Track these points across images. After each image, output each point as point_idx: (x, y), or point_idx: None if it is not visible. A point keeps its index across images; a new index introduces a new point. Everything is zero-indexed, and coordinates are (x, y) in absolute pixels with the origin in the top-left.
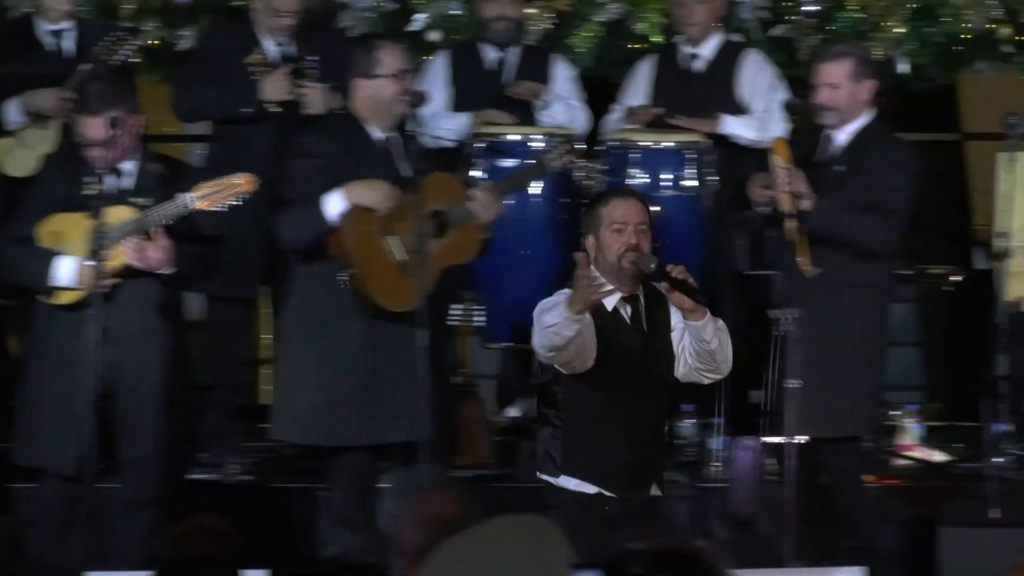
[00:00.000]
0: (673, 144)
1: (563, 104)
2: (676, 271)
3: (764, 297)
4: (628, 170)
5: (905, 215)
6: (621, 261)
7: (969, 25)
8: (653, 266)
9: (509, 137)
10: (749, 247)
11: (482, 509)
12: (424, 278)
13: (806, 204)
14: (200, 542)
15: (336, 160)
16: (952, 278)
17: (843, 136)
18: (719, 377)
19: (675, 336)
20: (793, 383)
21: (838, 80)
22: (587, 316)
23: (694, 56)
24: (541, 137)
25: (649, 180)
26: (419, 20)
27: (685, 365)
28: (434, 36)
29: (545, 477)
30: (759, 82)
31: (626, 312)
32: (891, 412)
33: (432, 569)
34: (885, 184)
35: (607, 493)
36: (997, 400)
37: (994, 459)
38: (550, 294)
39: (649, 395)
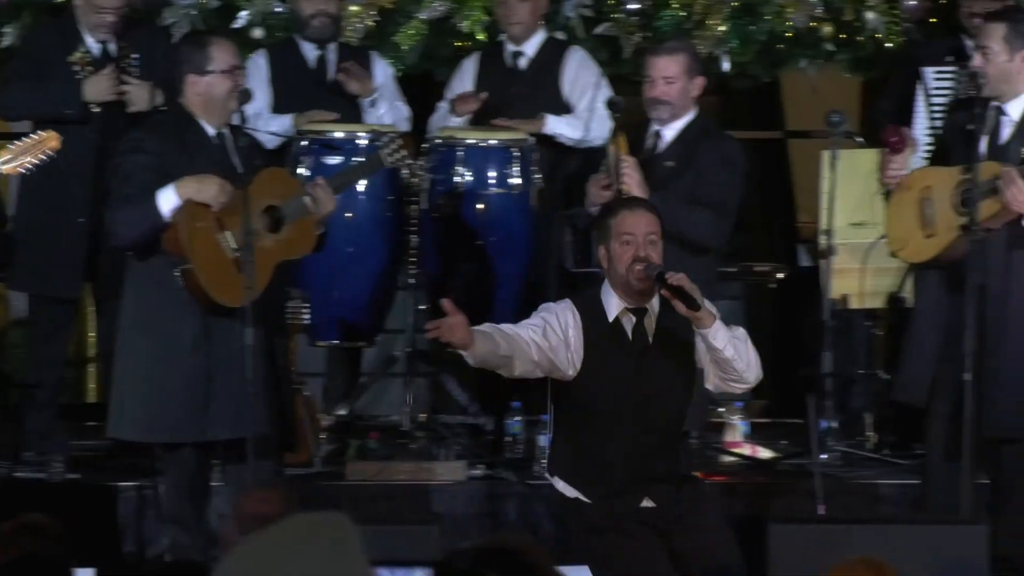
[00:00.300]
0: (498, 142)
1: (386, 102)
2: (674, 278)
3: None
4: (454, 168)
5: (735, 210)
6: (629, 274)
7: (791, 23)
8: (654, 274)
9: (336, 134)
10: (575, 245)
11: (307, 508)
12: (251, 274)
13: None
14: (27, 541)
15: (168, 156)
16: (777, 275)
17: (671, 132)
18: (746, 387)
19: (700, 348)
20: None
21: (674, 75)
22: (477, 350)
23: (518, 54)
24: (366, 134)
25: (474, 178)
26: (243, 17)
27: (712, 376)
28: (258, 33)
29: (547, 475)
30: (582, 80)
31: (629, 323)
32: (718, 409)
33: (226, 568)
34: (716, 179)
35: (584, 499)
36: (822, 397)
37: (820, 456)
38: (377, 292)
39: (649, 408)
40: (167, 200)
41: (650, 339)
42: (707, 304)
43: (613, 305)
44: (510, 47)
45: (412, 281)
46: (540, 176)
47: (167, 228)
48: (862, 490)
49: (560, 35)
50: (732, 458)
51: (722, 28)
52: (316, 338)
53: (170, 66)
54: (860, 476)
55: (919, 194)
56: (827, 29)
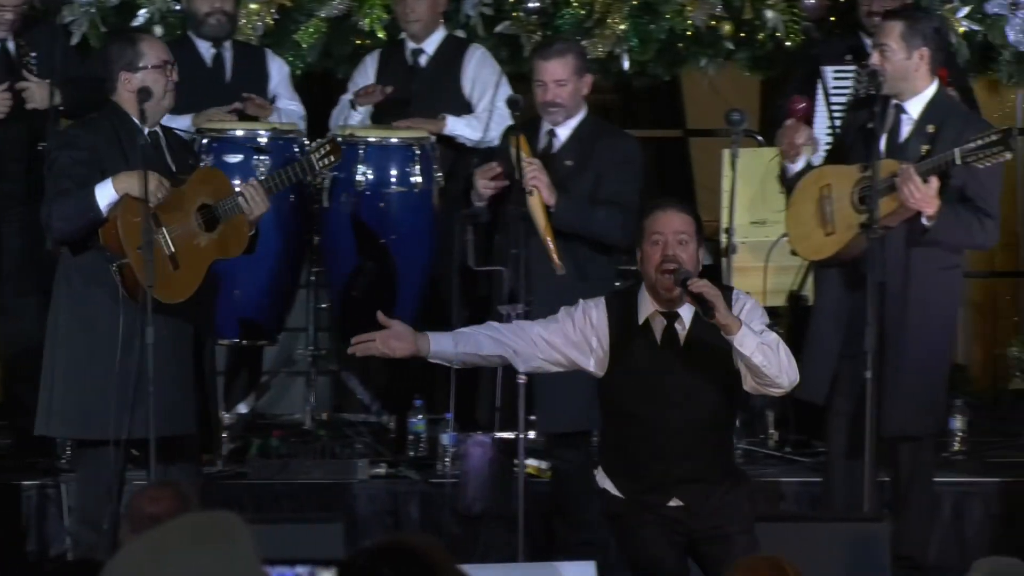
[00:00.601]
0: (399, 141)
1: (284, 101)
2: (695, 285)
3: (492, 292)
4: (356, 166)
5: (637, 208)
6: (657, 277)
7: (691, 22)
8: (679, 279)
9: (236, 133)
10: (477, 243)
11: (209, 507)
12: (150, 272)
13: (547, 197)
14: None
15: (103, 152)
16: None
17: (565, 131)
18: (781, 391)
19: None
20: (521, 378)
21: (564, 77)
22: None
23: (418, 52)
24: (266, 132)
25: (376, 177)
26: (141, 15)
27: (748, 379)
28: (157, 31)
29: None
30: (483, 78)
31: (659, 326)
32: None
33: (113, 568)
34: (619, 178)
35: (617, 494)
36: None
37: None
38: (279, 290)
39: (678, 411)
40: (104, 195)
41: (681, 342)
42: (739, 306)
43: (645, 307)
44: (410, 45)
45: (314, 279)
46: (441, 175)
47: (104, 223)
48: (764, 488)
49: (460, 33)
50: None
51: (622, 27)
52: (218, 336)
53: (100, 65)
54: (762, 474)
55: (819, 192)
56: (727, 28)
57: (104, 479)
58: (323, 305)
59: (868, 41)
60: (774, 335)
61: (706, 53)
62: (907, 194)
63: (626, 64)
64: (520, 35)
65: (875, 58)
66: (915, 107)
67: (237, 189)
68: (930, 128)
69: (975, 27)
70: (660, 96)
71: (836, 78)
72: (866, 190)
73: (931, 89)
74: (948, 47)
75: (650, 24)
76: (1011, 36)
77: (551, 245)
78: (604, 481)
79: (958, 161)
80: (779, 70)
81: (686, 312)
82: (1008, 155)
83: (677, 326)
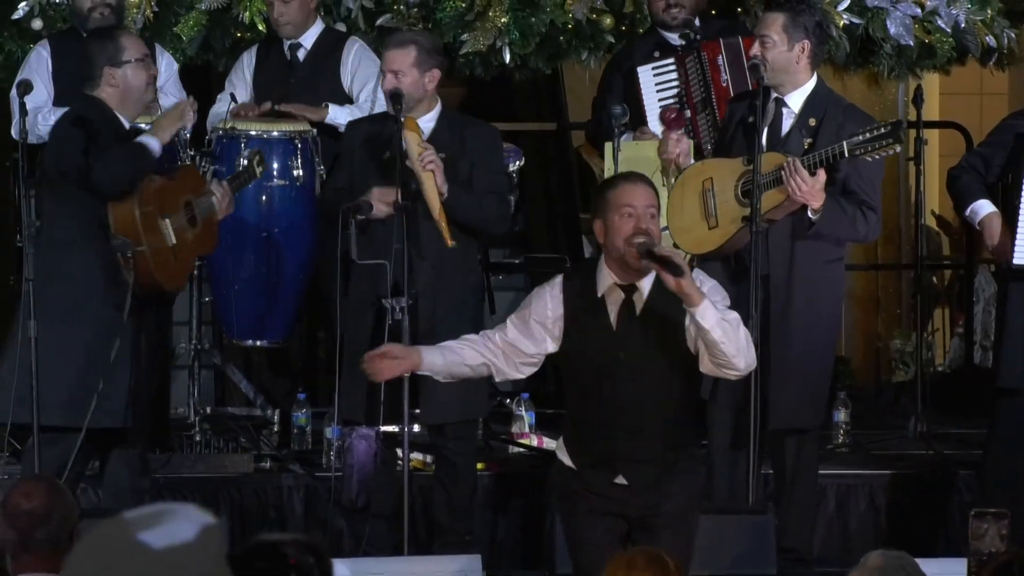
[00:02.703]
0: (280, 133)
1: (171, 99)
2: (662, 250)
3: (375, 285)
4: (237, 159)
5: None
6: (627, 247)
7: (572, 15)
8: (643, 249)
9: None
10: (360, 235)
11: (92, 501)
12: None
13: (441, 184)
14: None
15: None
16: (562, 267)
17: (427, 125)
18: (737, 373)
19: (691, 331)
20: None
21: (403, 67)
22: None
23: (296, 46)
24: (146, 126)
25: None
26: (22, 8)
27: (705, 359)
28: (37, 24)
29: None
30: (362, 71)
31: (615, 300)
32: (505, 400)
33: (76, 558)
34: (494, 167)
35: (570, 465)
36: None
37: None
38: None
39: (628, 386)
40: (153, 146)
41: (637, 314)
42: (698, 283)
43: (604, 280)
44: (288, 40)
45: (196, 273)
46: (323, 167)
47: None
48: None
49: (341, 26)
50: (518, 449)
51: (503, 20)
52: None
53: (80, 62)
54: None
55: (701, 186)
56: (607, 21)
57: (61, 468)
58: (206, 299)
59: (668, 35)
60: (735, 314)
61: (587, 46)
62: (794, 187)
63: (507, 57)
64: (401, 28)
65: (756, 49)
66: (796, 100)
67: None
68: (812, 121)
69: (856, 20)
70: (540, 89)
71: (656, 75)
72: (748, 184)
73: (812, 82)
74: (829, 41)
75: (531, 17)
76: (892, 29)
77: (444, 225)
78: (561, 452)
79: (846, 154)
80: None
81: (645, 284)
82: (898, 147)
83: (635, 299)
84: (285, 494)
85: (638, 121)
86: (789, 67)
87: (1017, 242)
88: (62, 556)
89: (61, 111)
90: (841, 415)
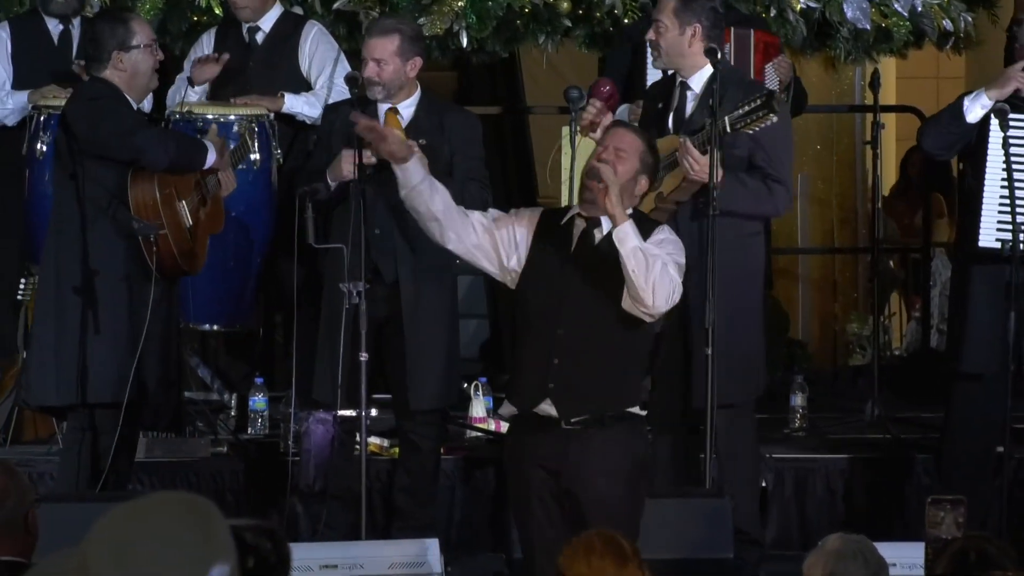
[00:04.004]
0: (237, 117)
1: None
2: (603, 171)
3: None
4: None
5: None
6: (585, 176)
7: None
8: (594, 170)
9: None
10: (316, 220)
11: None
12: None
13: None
14: None
15: None
16: None
17: (406, 112)
18: (647, 310)
19: None
20: (363, 356)
21: (385, 56)
22: (411, 173)
23: (254, 29)
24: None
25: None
26: None
27: (625, 296)
28: None
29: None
30: (320, 55)
31: (577, 229)
32: (463, 385)
33: (95, 539)
34: (475, 153)
35: (513, 409)
36: None
37: None
38: None
39: (575, 312)
40: (209, 155)
41: (595, 246)
42: (658, 235)
43: (571, 213)
44: (248, 23)
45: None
46: (280, 151)
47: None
48: None
49: (298, 10)
50: (476, 433)
51: (460, 3)
52: None
53: (87, 45)
54: None
55: None
56: (564, 5)
57: (109, 441)
58: None
59: None
60: (662, 254)
61: (544, 30)
62: (688, 166)
63: (464, 41)
64: (359, 12)
65: (650, 33)
66: (697, 83)
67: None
68: (710, 101)
69: (813, 4)
70: (498, 73)
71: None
72: (664, 169)
73: (709, 65)
74: (722, 23)
75: (488, 1)
76: (849, 13)
77: None
78: (505, 407)
79: (728, 129)
80: (617, 47)
81: (608, 223)
82: (774, 118)
83: (595, 232)
84: (242, 478)
85: (631, 96)
86: (683, 50)
87: (982, 224)
88: (17, 539)
89: (21, 94)
90: (798, 399)
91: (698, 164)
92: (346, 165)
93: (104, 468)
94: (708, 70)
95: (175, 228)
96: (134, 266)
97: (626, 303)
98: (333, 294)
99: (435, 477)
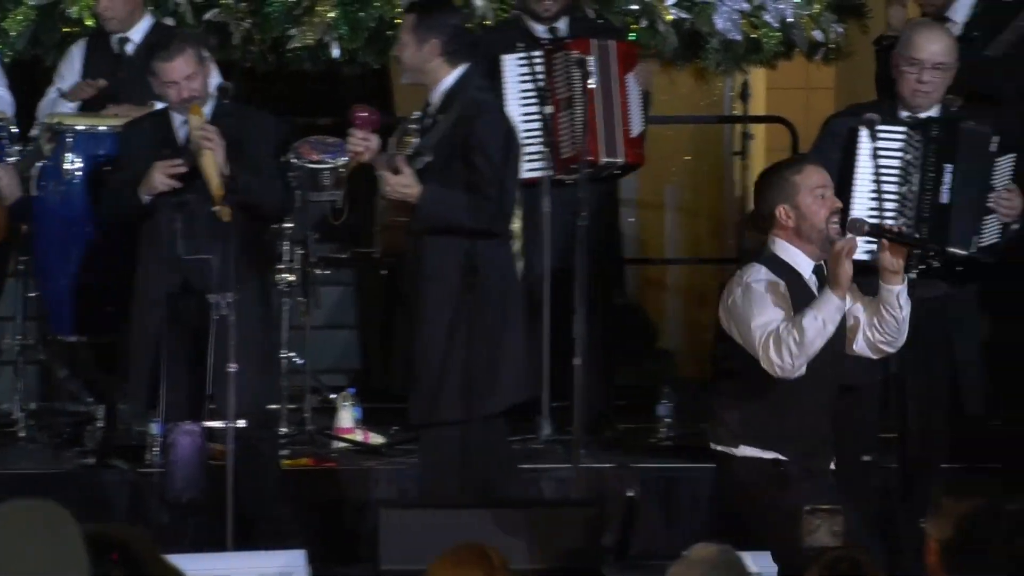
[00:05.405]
0: (108, 128)
1: (3, 88)
2: (887, 225)
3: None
4: (64, 154)
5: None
6: (829, 226)
7: (400, 10)
8: (867, 227)
9: None
10: (185, 231)
11: None
12: None
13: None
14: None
15: None
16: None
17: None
18: (893, 351)
19: (854, 308)
20: (232, 367)
21: (192, 70)
22: None
23: (124, 40)
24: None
25: (85, 165)
26: None
27: (864, 338)
28: None
29: (720, 448)
30: None
31: (814, 281)
32: (330, 395)
33: None
34: (262, 151)
35: (782, 458)
36: None
37: None
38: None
39: (828, 367)
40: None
41: None
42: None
43: (805, 262)
44: (116, 34)
45: (22, 268)
46: None
47: None
48: None
49: (170, 21)
50: (343, 444)
51: (332, 15)
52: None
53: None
54: None
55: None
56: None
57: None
58: (31, 294)
59: (535, 26)
60: None
61: None
62: (383, 185)
63: (336, 52)
64: (229, 23)
65: (395, 49)
66: (435, 98)
67: None
68: (440, 117)
69: (683, 15)
70: (369, 84)
71: (521, 65)
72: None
73: (450, 79)
74: (464, 38)
75: (359, 12)
76: (719, 24)
77: (223, 206)
78: (760, 452)
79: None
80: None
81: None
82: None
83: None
84: (110, 490)
85: None
86: (423, 66)
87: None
88: None
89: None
90: (665, 409)
91: (390, 183)
92: (159, 176)
93: None
94: (445, 85)
95: None
96: None
97: (862, 345)
98: (144, 305)
99: (278, 479)
